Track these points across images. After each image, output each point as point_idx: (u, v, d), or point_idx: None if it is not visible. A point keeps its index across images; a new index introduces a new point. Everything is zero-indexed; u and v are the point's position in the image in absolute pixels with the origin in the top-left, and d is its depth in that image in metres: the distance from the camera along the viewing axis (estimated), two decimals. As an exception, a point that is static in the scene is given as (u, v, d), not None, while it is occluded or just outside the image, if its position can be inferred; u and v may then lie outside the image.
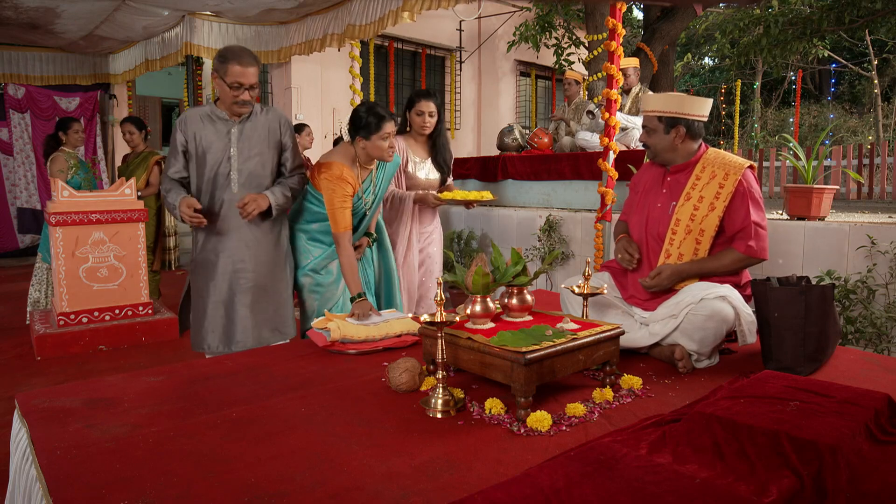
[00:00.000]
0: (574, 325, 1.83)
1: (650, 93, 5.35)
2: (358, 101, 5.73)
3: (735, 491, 1.16)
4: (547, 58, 10.09)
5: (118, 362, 3.83)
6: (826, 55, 12.66)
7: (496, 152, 6.18)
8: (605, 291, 2.13)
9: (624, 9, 4.20)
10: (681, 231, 2.19)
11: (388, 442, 1.47)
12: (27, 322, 4.54)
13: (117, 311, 4.18)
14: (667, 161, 2.30)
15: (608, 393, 1.74)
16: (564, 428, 1.55)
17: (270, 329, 2.65)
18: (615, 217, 3.74)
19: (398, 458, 1.38)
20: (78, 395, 1.77)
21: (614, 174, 3.92)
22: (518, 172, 5.53)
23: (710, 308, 1.99)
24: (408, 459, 1.38)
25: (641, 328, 2.17)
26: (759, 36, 8.42)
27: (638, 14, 12.92)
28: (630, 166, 4.09)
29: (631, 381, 1.84)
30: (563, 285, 2.30)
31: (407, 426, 1.56)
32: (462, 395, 1.71)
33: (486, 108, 10.38)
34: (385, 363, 2.02)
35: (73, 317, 4.02)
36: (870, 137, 11.26)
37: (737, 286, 2.17)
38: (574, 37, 9.04)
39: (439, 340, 1.67)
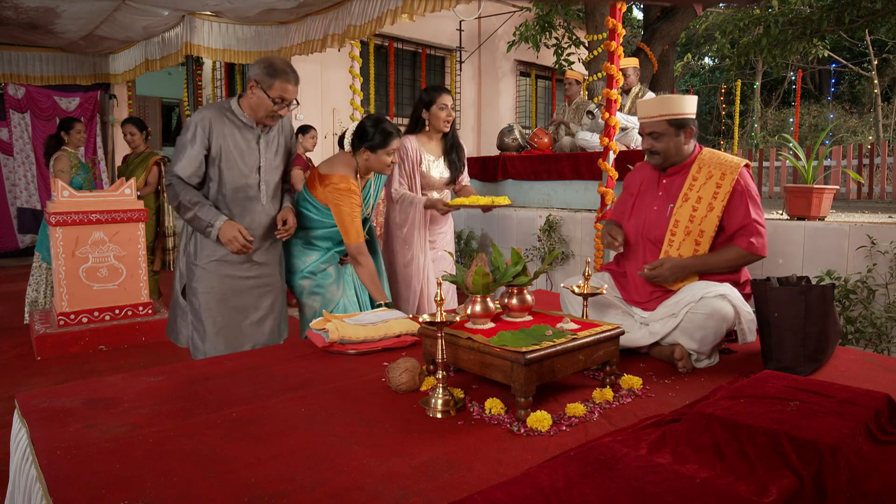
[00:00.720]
0: (574, 325, 1.83)
1: (649, 94, 5.35)
2: (358, 101, 5.73)
3: (735, 491, 1.16)
4: (547, 58, 10.09)
5: (118, 362, 3.83)
6: (826, 55, 12.66)
7: (496, 152, 6.19)
8: (605, 291, 2.13)
9: (624, 9, 4.20)
10: (680, 232, 2.19)
11: (388, 442, 1.47)
12: (26, 322, 4.55)
13: (117, 311, 4.18)
14: (673, 164, 2.27)
15: (608, 393, 1.74)
16: (564, 428, 1.55)
17: (270, 333, 2.61)
18: (615, 217, 3.73)
19: (398, 458, 1.38)
20: (78, 395, 1.77)
21: (614, 174, 3.92)
22: (518, 172, 5.53)
23: (710, 306, 1.99)
24: (408, 459, 1.38)
25: (641, 328, 2.17)
26: (759, 36, 8.42)
27: (638, 14, 12.93)
28: (630, 166, 4.09)
29: (631, 381, 1.84)
30: (562, 285, 2.30)
31: (407, 426, 1.56)
32: (462, 395, 1.71)
33: (486, 108, 10.39)
34: (385, 363, 2.02)
35: (73, 317, 4.02)
36: (870, 137, 11.26)
37: (736, 284, 2.17)
38: (574, 37, 9.04)
39: (439, 340, 1.67)
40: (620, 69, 4.04)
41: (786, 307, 1.99)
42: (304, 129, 5.60)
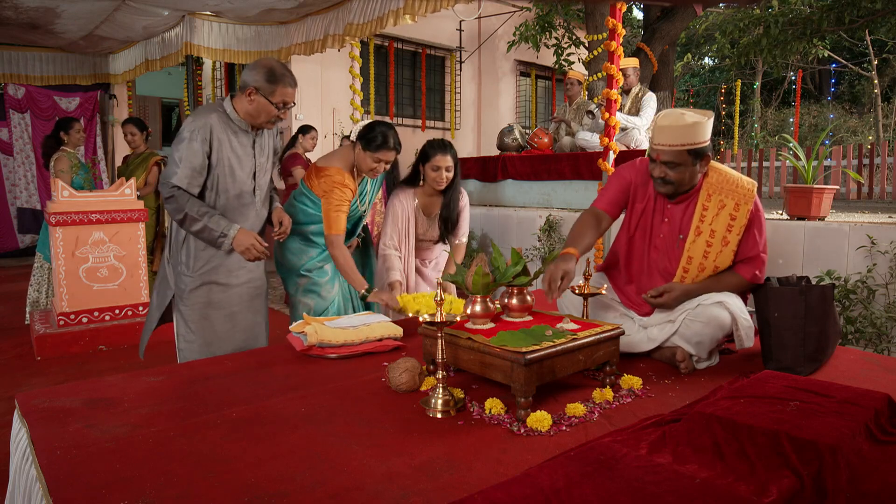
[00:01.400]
0: (574, 326, 1.83)
1: (649, 94, 5.33)
2: (358, 101, 5.74)
3: (735, 491, 1.16)
4: (547, 58, 10.09)
5: (118, 362, 3.83)
6: (826, 55, 12.66)
7: (496, 152, 6.19)
8: (605, 291, 2.13)
9: (624, 9, 4.20)
10: (693, 269, 2.10)
11: (388, 442, 1.47)
12: (26, 322, 4.55)
13: (117, 311, 4.18)
14: (682, 193, 2.11)
15: (608, 393, 1.74)
16: (564, 428, 1.55)
17: (257, 336, 2.57)
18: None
19: (398, 458, 1.38)
20: (78, 395, 1.77)
21: (614, 174, 3.92)
22: (518, 172, 5.53)
23: (707, 315, 1.99)
24: (408, 459, 1.38)
25: (640, 330, 2.16)
26: (759, 36, 8.43)
27: (638, 14, 12.94)
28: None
29: (631, 381, 1.84)
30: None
31: (407, 426, 1.56)
32: (462, 395, 1.71)
33: (486, 108, 10.38)
34: (385, 363, 2.02)
35: (73, 317, 4.02)
36: (870, 137, 11.26)
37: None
38: (574, 37, 9.04)
39: (439, 340, 1.67)
40: (620, 69, 4.05)
41: (786, 307, 2.00)
42: (305, 130, 5.60)
